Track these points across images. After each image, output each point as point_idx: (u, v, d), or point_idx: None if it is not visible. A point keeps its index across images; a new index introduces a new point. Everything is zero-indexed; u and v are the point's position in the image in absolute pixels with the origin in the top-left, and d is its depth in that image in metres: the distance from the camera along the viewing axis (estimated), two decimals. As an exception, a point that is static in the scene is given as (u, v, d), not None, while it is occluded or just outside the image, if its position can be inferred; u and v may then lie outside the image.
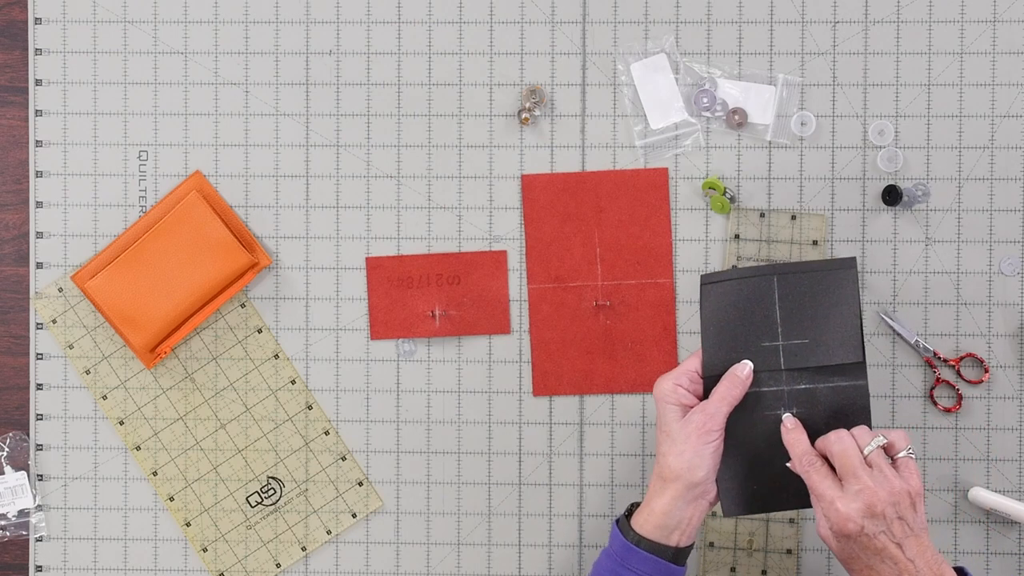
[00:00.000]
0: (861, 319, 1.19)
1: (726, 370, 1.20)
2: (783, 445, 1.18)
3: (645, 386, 1.39)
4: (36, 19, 1.40)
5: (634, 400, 1.39)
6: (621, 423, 1.39)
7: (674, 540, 1.18)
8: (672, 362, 1.38)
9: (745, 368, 1.20)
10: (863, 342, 1.19)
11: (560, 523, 1.40)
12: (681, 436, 1.18)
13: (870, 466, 1.14)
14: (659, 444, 1.20)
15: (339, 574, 1.40)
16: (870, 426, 1.17)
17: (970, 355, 1.37)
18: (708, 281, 1.22)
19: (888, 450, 1.16)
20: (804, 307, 1.20)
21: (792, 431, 1.19)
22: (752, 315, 1.20)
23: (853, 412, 1.19)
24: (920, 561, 1.13)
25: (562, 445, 1.40)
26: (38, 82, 1.40)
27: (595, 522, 1.39)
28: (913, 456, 1.15)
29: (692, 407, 1.20)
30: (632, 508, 1.22)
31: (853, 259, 1.20)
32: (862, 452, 1.14)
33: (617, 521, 1.21)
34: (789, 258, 1.37)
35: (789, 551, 1.38)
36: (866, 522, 1.12)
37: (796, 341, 1.20)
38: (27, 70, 1.40)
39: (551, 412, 1.39)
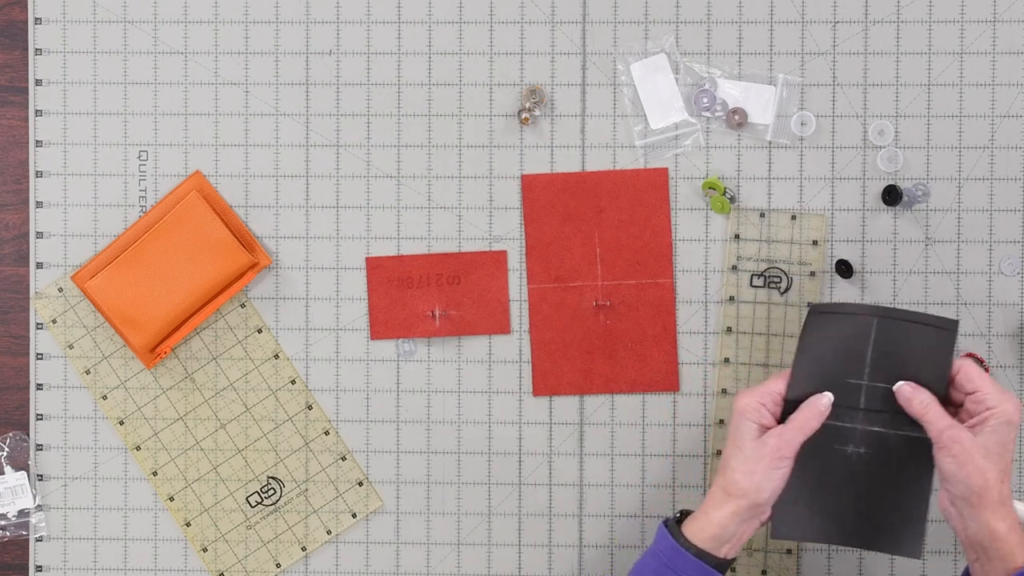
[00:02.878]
0: (948, 381, 1.19)
1: (807, 397, 1.21)
2: (846, 482, 1.21)
3: (645, 386, 1.39)
4: (36, 19, 1.40)
5: (634, 400, 1.39)
6: (621, 423, 1.39)
7: (723, 552, 1.19)
8: (672, 361, 1.38)
9: (825, 399, 1.21)
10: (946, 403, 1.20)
11: (560, 523, 1.40)
12: (755, 455, 1.19)
13: None
14: (728, 458, 1.20)
15: (339, 574, 1.40)
16: (929, 483, 1.21)
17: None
18: (818, 311, 1.22)
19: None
20: (896, 354, 1.20)
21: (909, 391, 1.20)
22: (846, 351, 1.21)
23: (917, 466, 1.21)
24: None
25: (562, 445, 1.40)
26: (38, 82, 1.40)
27: (595, 522, 1.39)
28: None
29: (769, 428, 1.20)
30: (682, 514, 1.23)
31: (956, 322, 1.20)
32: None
33: (666, 522, 1.22)
34: (789, 258, 1.37)
35: (789, 551, 1.38)
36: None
37: (880, 384, 1.20)
38: (27, 70, 1.40)
39: (551, 412, 1.39)
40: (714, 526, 1.19)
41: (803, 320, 1.26)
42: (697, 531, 1.19)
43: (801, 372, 1.22)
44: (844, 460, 1.21)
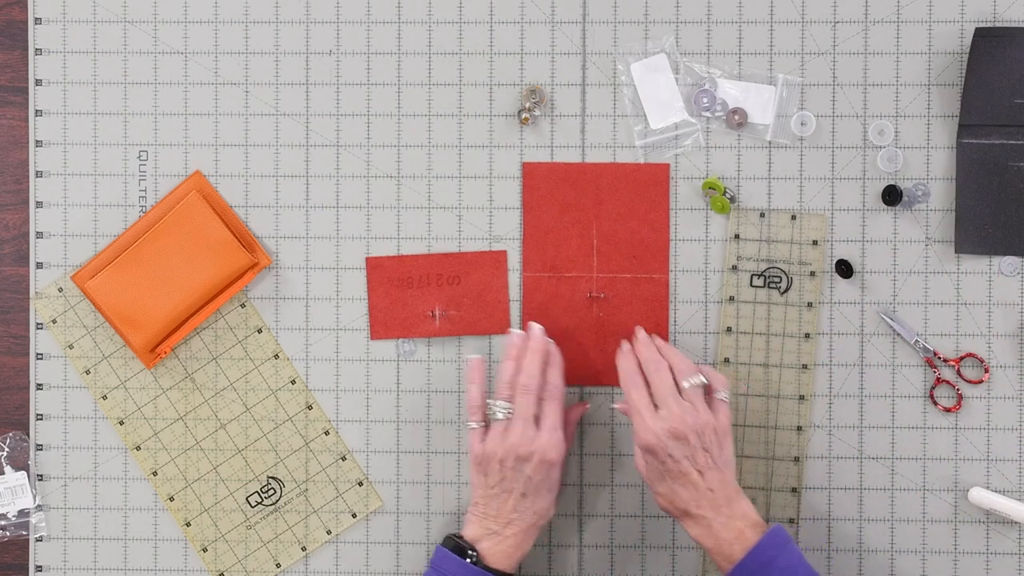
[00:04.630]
0: None
1: (981, 123, 1.34)
2: None
3: (645, 386, 1.38)
4: (36, 19, 1.40)
5: (634, 400, 1.39)
6: (621, 423, 1.39)
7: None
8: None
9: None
10: None
11: (560, 523, 1.39)
12: (558, 487, 1.31)
13: (684, 397, 1.27)
14: (540, 501, 1.28)
15: (339, 574, 1.40)
16: None
17: (970, 355, 1.37)
18: (981, 34, 1.32)
19: (707, 390, 1.28)
20: None
21: (626, 354, 1.31)
22: (1012, 72, 1.31)
23: None
24: (720, 492, 1.25)
25: (562, 445, 1.39)
26: (38, 82, 1.40)
27: (595, 522, 1.39)
28: (726, 400, 1.28)
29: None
30: (457, 540, 1.28)
31: None
32: (679, 384, 1.27)
33: (460, 551, 1.28)
34: (789, 258, 1.37)
35: (789, 551, 1.38)
36: (670, 443, 1.24)
37: None
38: (27, 70, 1.40)
39: (551, 412, 1.39)
40: (521, 554, 1.29)
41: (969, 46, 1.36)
42: (504, 560, 1.28)
43: (972, 98, 1.33)
44: (1020, 175, 1.30)
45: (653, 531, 1.39)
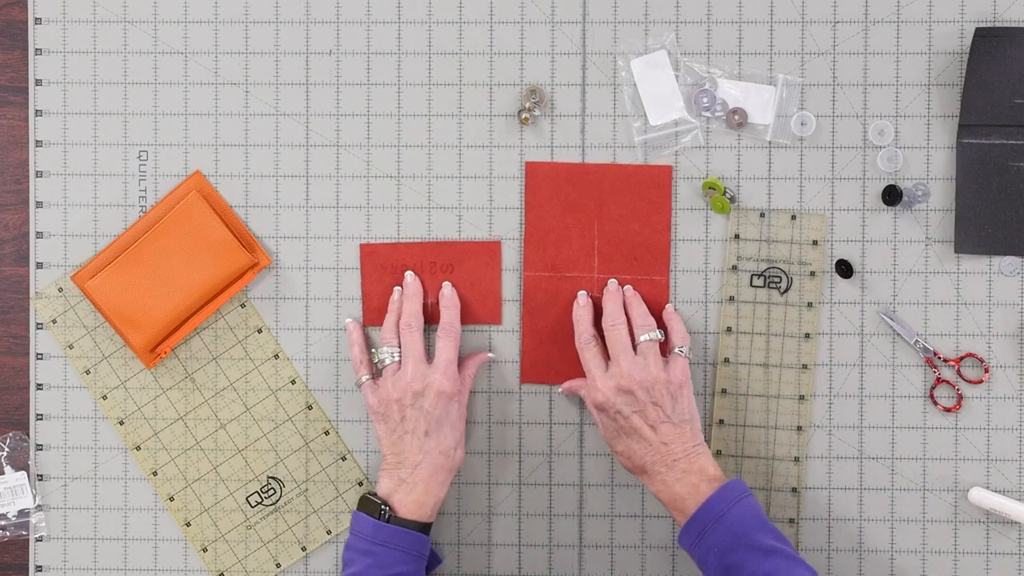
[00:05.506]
0: None
1: (980, 123, 1.32)
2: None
3: (645, 386, 1.38)
4: (36, 19, 1.40)
5: (634, 400, 1.39)
6: (621, 423, 1.39)
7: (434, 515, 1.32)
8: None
9: (483, 356, 1.37)
10: None
11: (560, 523, 1.40)
12: (461, 426, 1.32)
13: (638, 352, 1.30)
14: (444, 439, 1.29)
15: (339, 574, 1.40)
16: None
17: (970, 355, 1.37)
18: (982, 35, 1.32)
19: (664, 345, 1.32)
20: None
21: (582, 308, 1.35)
22: (1012, 72, 1.31)
23: None
24: (676, 446, 1.27)
25: (562, 445, 1.40)
26: (38, 82, 1.40)
27: (595, 522, 1.39)
28: (683, 355, 1.31)
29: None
30: (371, 497, 1.29)
31: None
32: (634, 340, 1.31)
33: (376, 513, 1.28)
34: (789, 258, 1.37)
35: (789, 551, 1.38)
36: (617, 399, 1.28)
37: None
38: (27, 70, 1.40)
39: (551, 412, 1.39)
40: (435, 502, 1.30)
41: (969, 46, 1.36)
42: (415, 510, 1.29)
43: (972, 98, 1.33)
44: (1020, 175, 1.30)
45: (653, 531, 1.39)
